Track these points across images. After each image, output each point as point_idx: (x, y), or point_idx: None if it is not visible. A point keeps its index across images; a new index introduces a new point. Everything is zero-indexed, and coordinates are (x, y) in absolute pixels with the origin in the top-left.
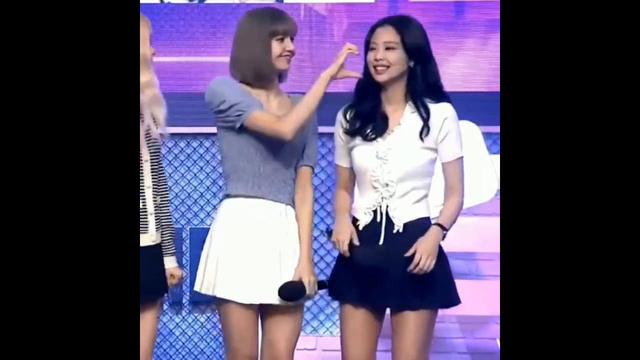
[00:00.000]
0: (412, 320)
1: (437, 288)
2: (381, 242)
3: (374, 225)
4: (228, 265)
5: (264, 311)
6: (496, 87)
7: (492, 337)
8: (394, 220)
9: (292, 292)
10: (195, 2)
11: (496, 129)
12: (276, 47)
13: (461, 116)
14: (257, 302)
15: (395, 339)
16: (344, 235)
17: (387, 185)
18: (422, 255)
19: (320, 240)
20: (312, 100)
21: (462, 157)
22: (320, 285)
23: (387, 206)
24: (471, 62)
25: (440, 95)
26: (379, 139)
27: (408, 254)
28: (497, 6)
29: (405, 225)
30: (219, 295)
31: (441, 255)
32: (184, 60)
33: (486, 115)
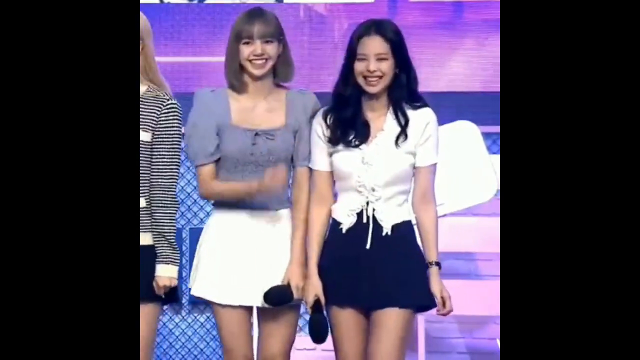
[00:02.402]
0: (393, 318)
1: (417, 289)
2: (368, 245)
3: (358, 227)
4: (209, 266)
5: (259, 312)
6: (496, 87)
7: (491, 337)
8: (382, 223)
9: (278, 297)
10: (195, 2)
11: (496, 129)
12: (244, 51)
13: (461, 116)
14: (236, 303)
15: (375, 337)
16: (311, 296)
17: (373, 190)
18: (447, 299)
19: None
20: (231, 195)
21: (436, 164)
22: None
23: (374, 209)
24: (471, 62)
25: (420, 100)
26: (363, 145)
27: (441, 312)
28: (497, 6)
29: (391, 227)
30: (195, 294)
31: (418, 257)
32: (183, 60)
33: (486, 115)
